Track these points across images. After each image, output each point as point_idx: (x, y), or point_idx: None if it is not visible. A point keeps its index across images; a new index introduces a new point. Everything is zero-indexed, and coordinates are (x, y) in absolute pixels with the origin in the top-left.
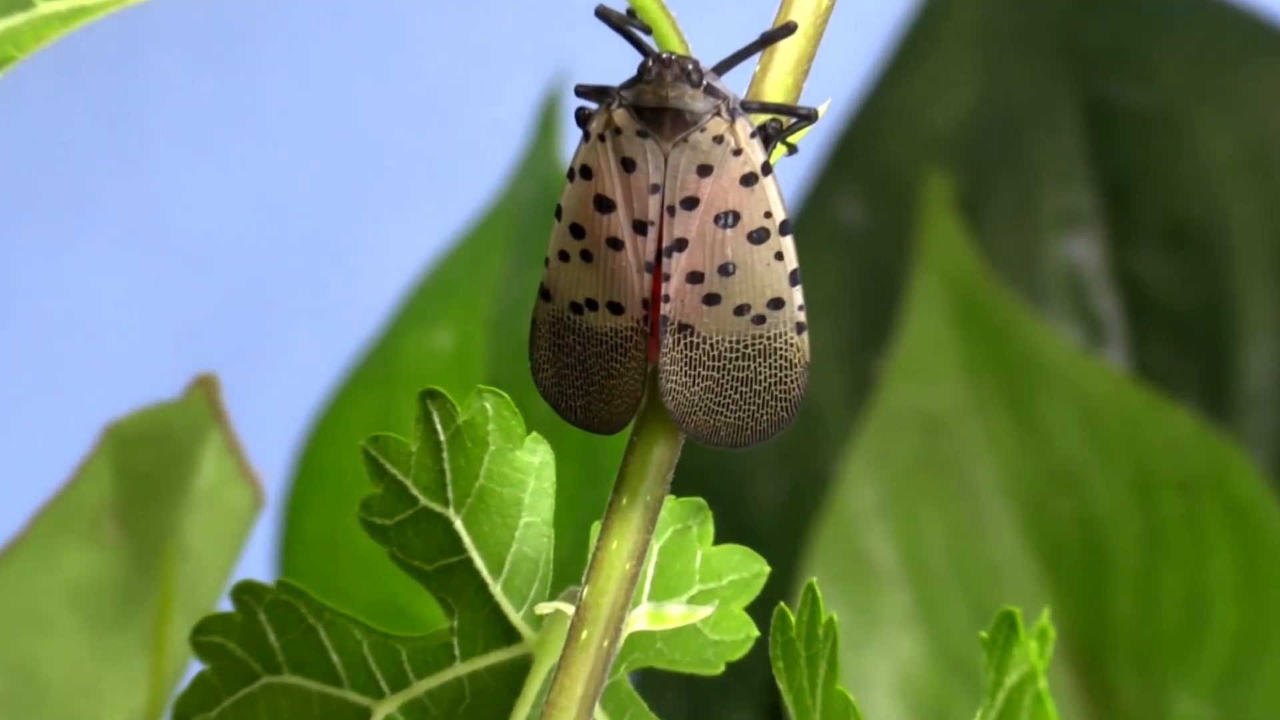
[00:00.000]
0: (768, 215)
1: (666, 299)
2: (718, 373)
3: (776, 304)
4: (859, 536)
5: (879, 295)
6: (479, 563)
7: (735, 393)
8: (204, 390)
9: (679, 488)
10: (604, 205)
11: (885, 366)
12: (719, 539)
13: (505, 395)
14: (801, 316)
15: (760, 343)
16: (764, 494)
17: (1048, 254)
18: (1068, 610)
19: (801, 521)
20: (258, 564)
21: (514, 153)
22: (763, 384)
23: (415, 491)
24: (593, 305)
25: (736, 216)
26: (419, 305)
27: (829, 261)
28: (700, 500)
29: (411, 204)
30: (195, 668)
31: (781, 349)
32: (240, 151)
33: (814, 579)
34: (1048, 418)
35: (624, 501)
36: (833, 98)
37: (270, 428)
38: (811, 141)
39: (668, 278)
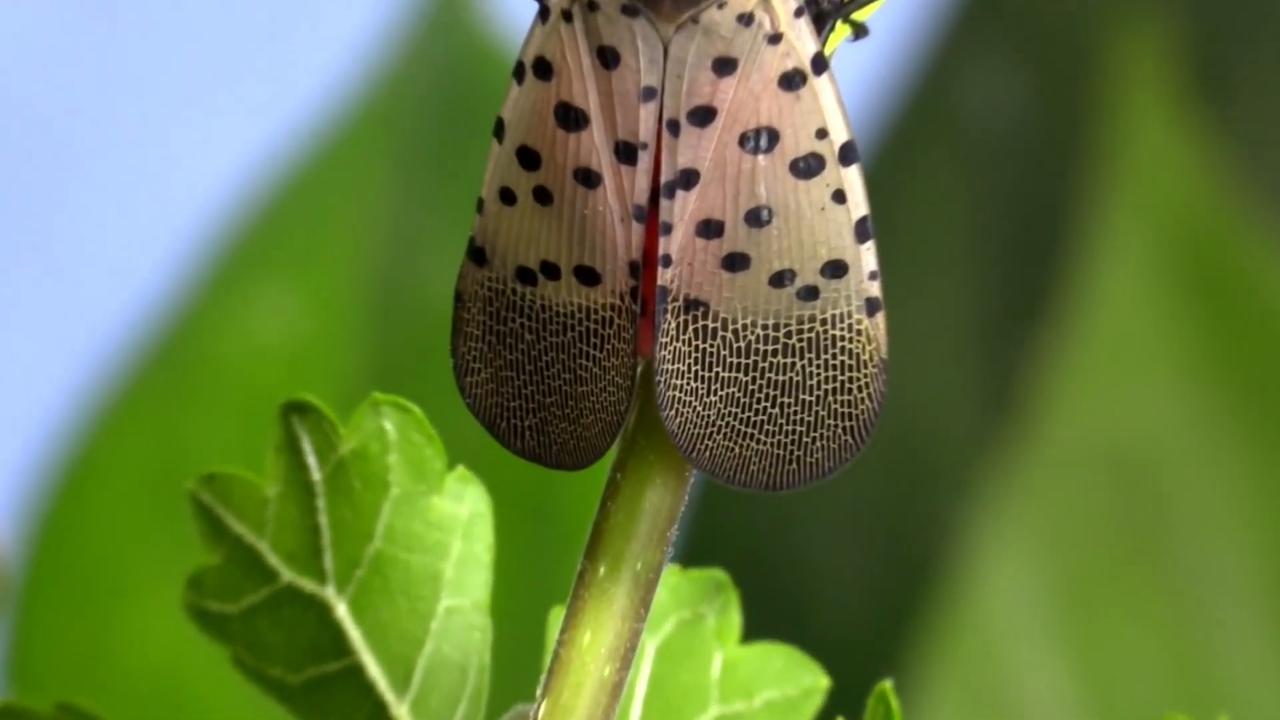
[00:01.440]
0: (821, 134)
1: (667, 261)
2: (745, 374)
3: (835, 269)
4: (1004, 650)
5: (1034, 239)
6: (373, 670)
7: (773, 405)
8: None
9: (693, 556)
10: (571, 119)
11: (1046, 362)
12: (756, 635)
13: (415, 409)
14: (875, 288)
15: (811, 328)
16: (836, 571)
17: None
18: None
19: (901, 618)
20: None
21: (400, 14)
22: (814, 392)
23: (274, 561)
24: (552, 271)
25: (774, 136)
26: (238, 266)
27: (947, 180)
28: (720, 574)
29: (224, 96)
30: None
31: (843, 338)
32: None
33: (888, 683)
34: None
35: (601, 573)
36: None
37: None
38: None
39: (668, 229)
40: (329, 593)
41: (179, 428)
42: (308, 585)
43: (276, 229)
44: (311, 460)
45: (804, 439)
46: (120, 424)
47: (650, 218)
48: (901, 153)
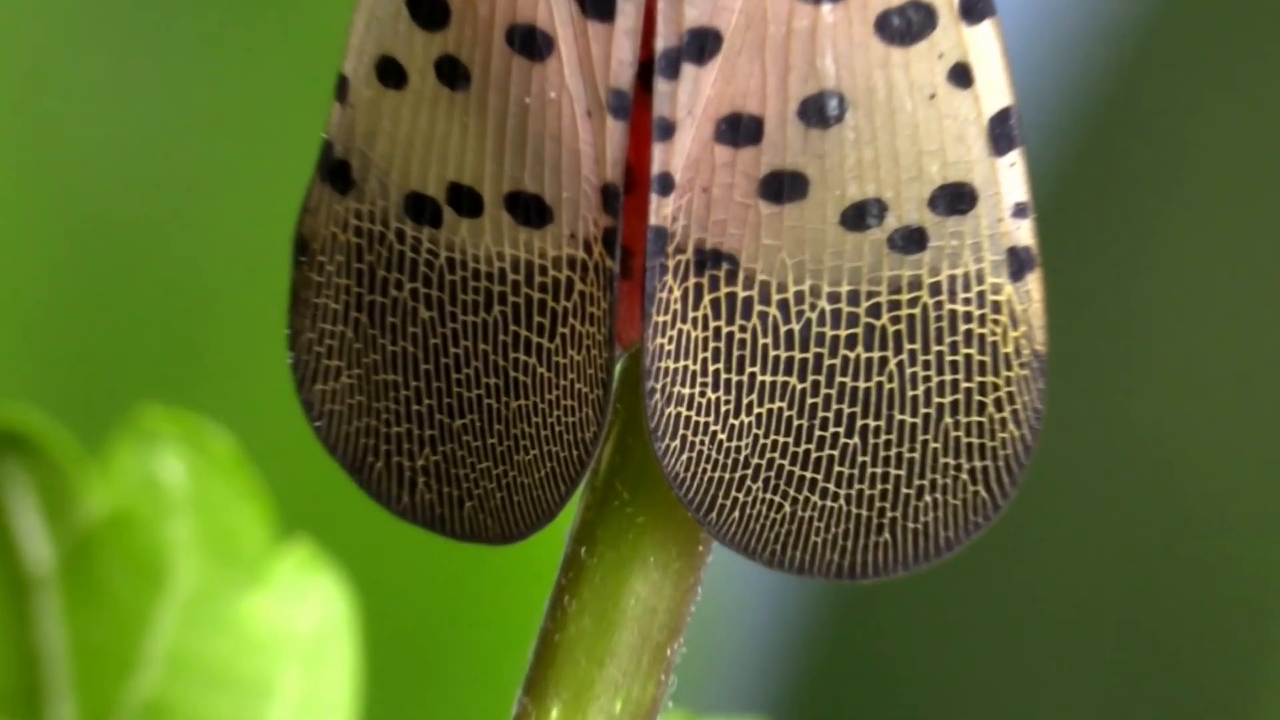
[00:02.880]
0: None
1: (667, 185)
2: (802, 380)
3: (955, 199)
4: None
5: None
6: None
7: (849, 433)
8: None
9: (732, 690)
10: None
11: None
12: None
13: (222, 438)
14: (1024, 232)
15: (914, 300)
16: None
17: None
18: None
19: None
20: None
21: None
22: (921, 409)
23: None
24: (468, 202)
25: None
26: None
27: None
28: None
29: None
30: None
31: (971, 316)
32: None
33: None
34: None
35: (552, 717)
36: None
37: None
38: None
39: (668, 130)
40: None
41: None
42: None
43: None
44: (33, 534)
45: (903, 490)
46: None
47: (638, 111)
48: None
